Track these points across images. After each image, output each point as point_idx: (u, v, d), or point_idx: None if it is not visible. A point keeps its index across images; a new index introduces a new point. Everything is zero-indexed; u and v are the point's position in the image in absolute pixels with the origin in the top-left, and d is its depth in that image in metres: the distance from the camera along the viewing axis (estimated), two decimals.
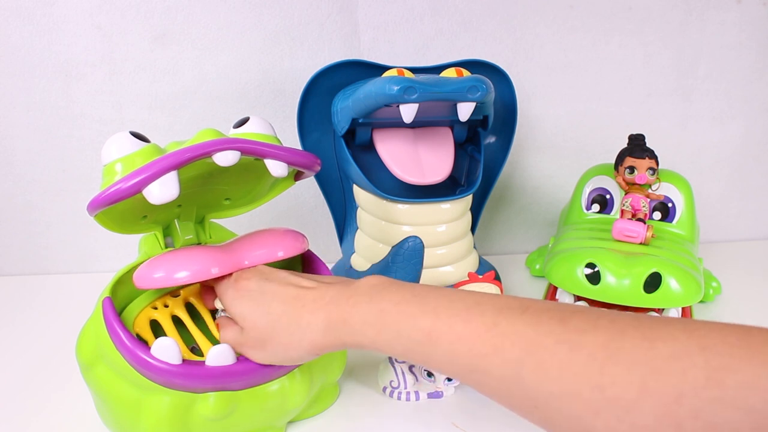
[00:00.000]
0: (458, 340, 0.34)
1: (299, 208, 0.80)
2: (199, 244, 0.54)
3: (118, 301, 0.47)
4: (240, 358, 0.44)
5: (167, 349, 0.42)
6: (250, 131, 0.48)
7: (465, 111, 0.57)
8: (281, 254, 0.48)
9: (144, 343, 0.43)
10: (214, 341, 0.46)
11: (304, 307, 0.41)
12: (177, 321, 0.49)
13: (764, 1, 0.75)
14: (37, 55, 0.70)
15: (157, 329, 0.48)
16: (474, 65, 0.66)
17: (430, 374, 0.54)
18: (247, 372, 0.43)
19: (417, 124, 0.63)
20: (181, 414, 0.43)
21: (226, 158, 0.43)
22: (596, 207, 0.69)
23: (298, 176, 0.52)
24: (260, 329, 0.42)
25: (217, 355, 0.42)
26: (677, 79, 0.78)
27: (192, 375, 0.42)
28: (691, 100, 0.79)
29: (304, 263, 0.55)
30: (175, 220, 0.53)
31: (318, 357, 0.42)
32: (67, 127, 0.73)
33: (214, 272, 0.45)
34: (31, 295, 0.76)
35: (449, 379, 0.54)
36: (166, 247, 0.53)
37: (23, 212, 0.78)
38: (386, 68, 0.62)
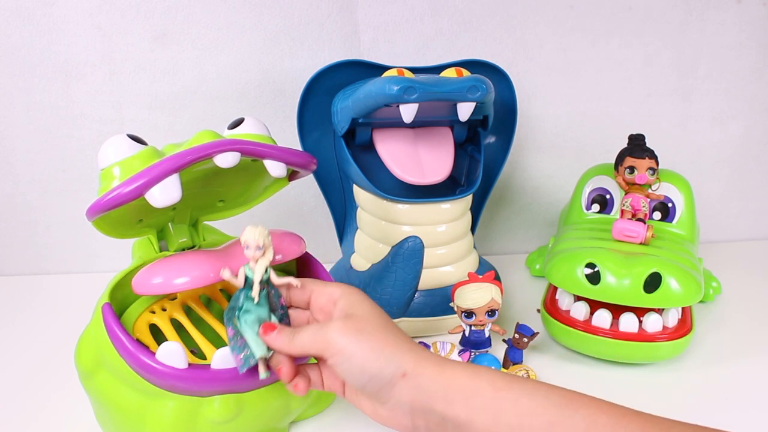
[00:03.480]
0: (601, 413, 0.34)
1: (299, 208, 0.80)
2: (193, 246, 0.54)
3: (116, 306, 0.47)
4: None
5: (173, 354, 0.42)
6: (246, 132, 0.48)
7: (465, 111, 0.57)
8: (279, 258, 0.48)
9: (147, 348, 0.43)
10: (216, 344, 0.46)
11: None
12: (176, 324, 0.49)
13: (764, 1, 0.75)
14: (37, 55, 0.70)
15: (156, 333, 0.48)
16: (474, 65, 0.66)
17: None
18: (252, 374, 0.43)
19: (417, 124, 0.63)
20: (186, 418, 0.43)
21: (226, 160, 0.43)
22: (596, 207, 0.69)
23: (292, 176, 0.52)
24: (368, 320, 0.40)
25: (222, 358, 0.42)
26: (677, 79, 0.78)
27: (198, 379, 0.42)
28: (691, 100, 0.79)
29: (303, 264, 0.55)
30: (169, 224, 0.53)
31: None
32: (67, 127, 0.73)
33: (213, 277, 0.44)
34: (31, 295, 0.76)
35: None
36: (161, 250, 0.53)
37: (23, 212, 0.78)
38: (386, 68, 0.62)
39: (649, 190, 0.65)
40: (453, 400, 0.36)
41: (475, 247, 0.68)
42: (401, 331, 0.40)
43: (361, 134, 0.64)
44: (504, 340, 0.58)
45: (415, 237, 0.60)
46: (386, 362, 0.37)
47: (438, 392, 0.37)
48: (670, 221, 0.67)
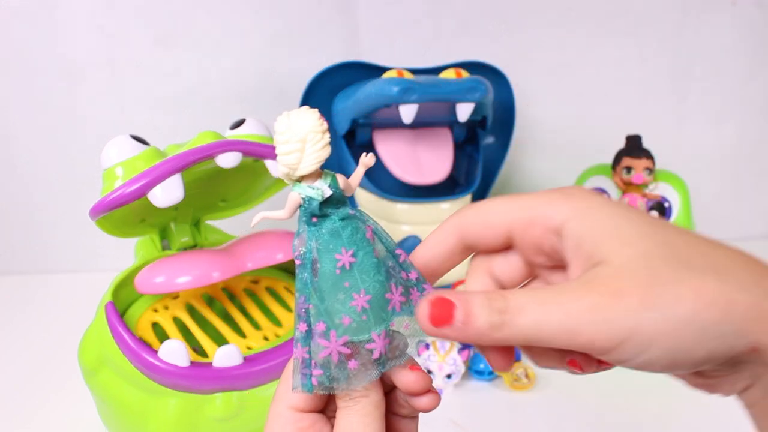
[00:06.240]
0: None
1: None
2: (195, 246, 0.54)
3: (119, 305, 0.47)
4: (247, 358, 0.44)
5: (175, 352, 0.42)
6: (247, 132, 0.48)
7: (464, 111, 0.57)
8: (280, 257, 0.48)
9: (149, 347, 0.43)
10: (218, 341, 0.47)
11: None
12: (178, 323, 0.49)
13: (759, 3, 0.75)
14: (40, 57, 0.71)
15: (158, 332, 0.48)
16: (473, 66, 0.66)
17: (428, 371, 0.55)
18: (254, 372, 0.43)
19: (416, 125, 0.63)
20: (188, 416, 0.43)
21: (228, 160, 0.44)
22: None
23: None
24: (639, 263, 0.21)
25: (224, 356, 0.43)
26: (673, 80, 0.79)
27: (200, 377, 0.42)
28: (687, 100, 0.80)
29: None
30: (171, 223, 0.54)
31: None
32: (70, 127, 0.74)
33: (215, 276, 0.45)
34: (35, 293, 0.77)
35: (449, 377, 0.55)
36: (163, 249, 0.54)
37: (27, 212, 0.78)
38: (386, 69, 0.63)
39: (646, 190, 0.66)
40: None
41: None
42: (726, 252, 0.22)
43: (361, 135, 0.64)
44: None
45: (415, 236, 0.60)
46: (718, 336, 0.20)
47: None
48: (667, 221, 0.68)
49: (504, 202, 0.25)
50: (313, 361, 0.24)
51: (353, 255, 0.24)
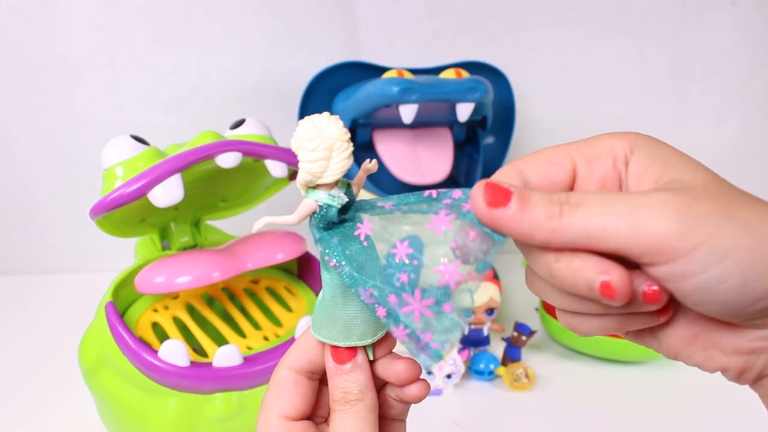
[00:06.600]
0: None
1: None
2: (195, 246, 0.54)
3: (119, 305, 0.48)
4: (247, 358, 0.44)
5: (175, 352, 0.42)
6: (247, 132, 0.48)
7: (464, 111, 0.57)
8: (280, 257, 0.48)
9: (149, 347, 0.43)
10: (218, 341, 0.47)
11: None
12: (178, 323, 0.49)
13: (758, 4, 0.75)
14: (40, 57, 0.71)
15: (158, 332, 0.48)
16: (473, 66, 0.66)
17: (429, 372, 0.54)
18: (254, 372, 0.43)
19: (416, 125, 0.63)
20: (188, 416, 0.43)
21: (228, 160, 0.44)
22: None
23: (293, 176, 0.53)
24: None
25: (224, 356, 0.43)
26: (673, 80, 0.79)
27: (200, 376, 0.42)
28: (687, 101, 0.80)
29: (304, 264, 0.56)
30: (172, 223, 0.54)
31: None
32: (70, 127, 0.74)
33: (215, 276, 0.45)
34: (35, 293, 0.77)
35: (449, 377, 0.55)
36: (163, 249, 0.54)
37: (27, 212, 0.78)
38: (386, 69, 0.63)
39: None
40: None
41: None
42: None
43: (361, 135, 0.64)
44: (503, 339, 0.59)
45: (415, 236, 0.60)
46: None
47: None
48: None
49: (565, 144, 0.24)
50: (418, 332, 0.22)
51: (370, 221, 0.24)
